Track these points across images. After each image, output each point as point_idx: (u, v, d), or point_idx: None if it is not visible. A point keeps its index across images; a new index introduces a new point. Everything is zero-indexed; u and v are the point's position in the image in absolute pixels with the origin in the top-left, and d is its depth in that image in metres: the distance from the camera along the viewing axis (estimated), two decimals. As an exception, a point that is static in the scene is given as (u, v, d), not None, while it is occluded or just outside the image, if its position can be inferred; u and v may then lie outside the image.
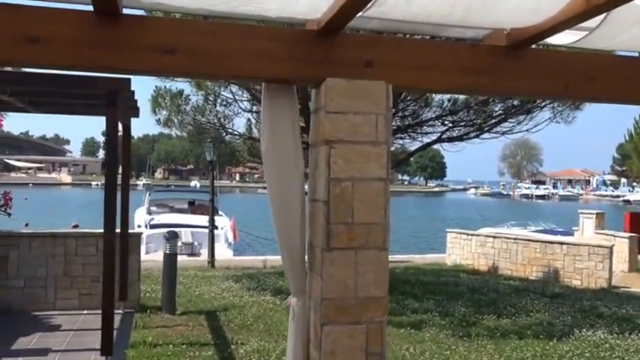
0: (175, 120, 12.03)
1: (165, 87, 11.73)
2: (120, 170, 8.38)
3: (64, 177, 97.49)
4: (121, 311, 8.43)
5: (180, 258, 17.71)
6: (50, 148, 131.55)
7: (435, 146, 13.27)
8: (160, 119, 12.03)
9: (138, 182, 60.12)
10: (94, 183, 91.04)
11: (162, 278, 8.91)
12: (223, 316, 8.38)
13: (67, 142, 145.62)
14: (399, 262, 16.28)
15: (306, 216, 3.37)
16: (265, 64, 3.16)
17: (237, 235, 19.96)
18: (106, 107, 6.00)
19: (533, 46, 3.56)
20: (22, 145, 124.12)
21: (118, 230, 8.56)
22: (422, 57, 3.38)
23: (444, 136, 11.82)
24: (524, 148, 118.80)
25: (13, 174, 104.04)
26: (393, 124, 11.32)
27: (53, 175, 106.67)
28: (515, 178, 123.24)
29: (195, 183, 63.77)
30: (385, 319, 3.25)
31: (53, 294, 8.58)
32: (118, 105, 6.05)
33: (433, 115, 11.76)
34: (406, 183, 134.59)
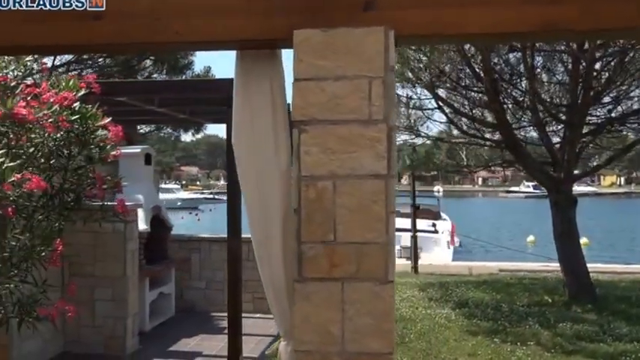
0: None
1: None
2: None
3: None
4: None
5: (398, 262, 17.60)
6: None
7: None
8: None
9: (433, 189, 62.65)
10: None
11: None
12: (385, 332, 7.50)
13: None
14: (629, 273, 13.08)
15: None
16: (218, 21, 2.30)
17: (453, 240, 19.42)
18: (226, 112, 5.61)
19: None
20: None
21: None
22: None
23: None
24: None
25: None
26: (600, 112, 9.16)
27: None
28: None
29: (438, 188, 66.31)
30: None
31: (230, 297, 8.67)
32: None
33: None
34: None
